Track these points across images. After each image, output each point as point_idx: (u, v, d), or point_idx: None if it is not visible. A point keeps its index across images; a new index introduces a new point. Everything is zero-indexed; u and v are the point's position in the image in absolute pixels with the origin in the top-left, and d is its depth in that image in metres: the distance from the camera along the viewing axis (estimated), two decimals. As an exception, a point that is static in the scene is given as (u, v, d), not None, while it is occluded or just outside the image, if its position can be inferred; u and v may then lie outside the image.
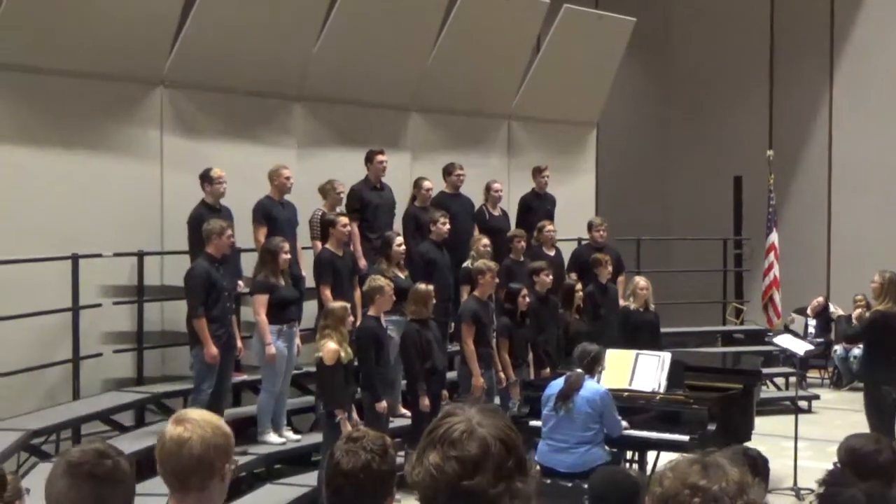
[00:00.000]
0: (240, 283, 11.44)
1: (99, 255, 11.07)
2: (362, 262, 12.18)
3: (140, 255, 11.47)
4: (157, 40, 11.77)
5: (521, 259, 12.98)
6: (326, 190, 12.21)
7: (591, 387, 9.25)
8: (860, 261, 17.64)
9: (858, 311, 15.63)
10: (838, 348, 17.00)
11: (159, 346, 11.86)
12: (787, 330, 16.70)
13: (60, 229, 10.91)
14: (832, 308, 16.00)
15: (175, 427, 3.55)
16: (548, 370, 11.76)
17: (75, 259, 10.76)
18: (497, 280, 11.68)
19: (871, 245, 18.60)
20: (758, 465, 5.54)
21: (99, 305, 11.21)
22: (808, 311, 17.77)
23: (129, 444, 10.23)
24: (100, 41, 11.19)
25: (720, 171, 19.83)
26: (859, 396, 11.85)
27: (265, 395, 10.89)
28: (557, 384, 9.33)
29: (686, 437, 9.69)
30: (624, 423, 9.50)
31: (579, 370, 9.31)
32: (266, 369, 10.84)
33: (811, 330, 17.64)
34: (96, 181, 11.32)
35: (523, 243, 13.14)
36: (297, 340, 11.15)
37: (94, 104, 11.40)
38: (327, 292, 11.28)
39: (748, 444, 8.28)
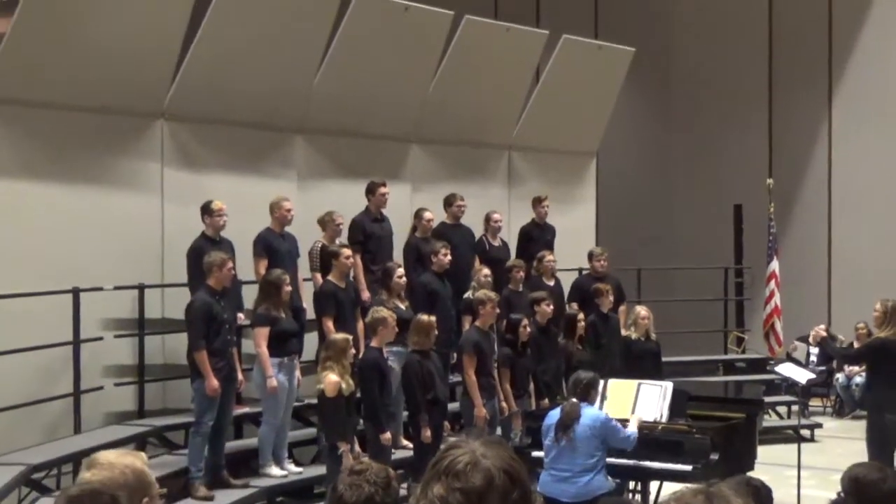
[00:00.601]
0: (240, 315, 11.42)
1: (100, 289, 11.06)
2: (365, 294, 12.17)
3: (141, 288, 11.47)
4: (158, 73, 11.81)
5: (520, 289, 12.99)
6: (326, 221, 12.22)
7: (590, 413, 9.20)
8: (861, 288, 17.63)
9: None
10: (840, 376, 16.99)
11: (160, 378, 11.84)
12: (789, 358, 16.68)
13: (61, 262, 10.91)
14: (813, 332, 15.92)
15: (85, 472, 3.55)
16: (546, 401, 11.74)
17: (76, 292, 10.75)
18: (498, 310, 11.68)
19: (871, 273, 18.58)
20: (761, 495, 5.52)
21: (100, 339, 11.20)
22: (810, 340, 17.73)
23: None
24: (100, 75, 11.22)
25: (720, 199, 19.84)
26: (862, 425, 11.81)
27: (266, 427, 10.87)
28: (555, 414, 9.30)
29: (689, 467, 9.67)
30: (631, 433, 9.42)
31: (574, 399, 9.27)
32: (267, 402, 10.82)
33: (813, 358, 17.60)
34: (97, 214, 11.33)
35: (522, 273, 13.16)
36: (298, 373, 11.14)
37: (94, 137, 11.42)
38: (330, 324, 11.28)
39: (751, 474, 8.26)
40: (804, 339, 17.93)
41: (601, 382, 10.34)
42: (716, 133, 21.12)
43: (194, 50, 11.94)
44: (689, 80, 21.66)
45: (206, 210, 11.22)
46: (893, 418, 10.52)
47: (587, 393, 9.34)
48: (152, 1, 11.43)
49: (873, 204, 19.26)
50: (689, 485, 2.94)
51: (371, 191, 12.76)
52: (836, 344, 16.30)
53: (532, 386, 11.99)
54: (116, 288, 11.27)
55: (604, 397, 10.23)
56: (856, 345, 16.42)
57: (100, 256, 11.26)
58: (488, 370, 11.36)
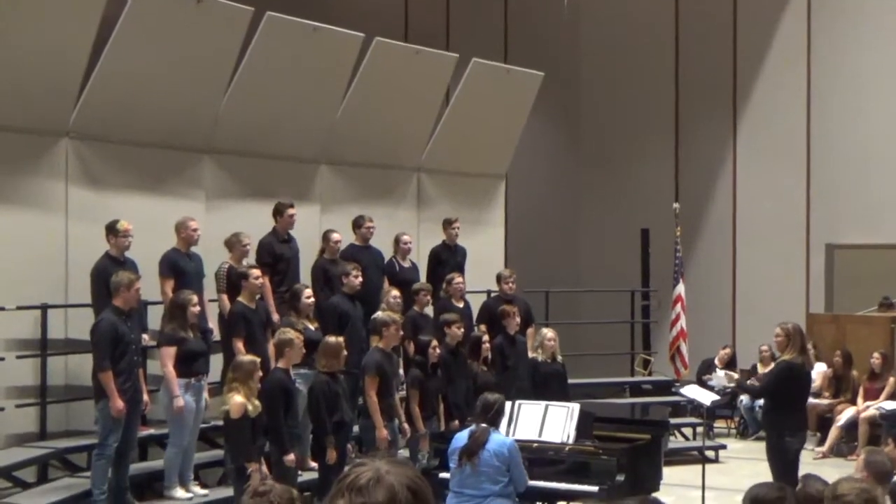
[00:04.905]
0: (144, 336, 11.29)
1: (2, 308, 10.88)
2: (276, 316, 12.05)
3: (44, 308, 11.29)
4: (62, 91, 11.64)
5: (426, 312, 13.02)
6: (233, 243, 12.09)
7: (497, 439, 9.13)
8: (764, 312, 17.91)
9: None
10: (744, 398, 17.18)
11: (63, 400, 11.65)
12: (699, 381, 16.82)
13: (-38, 282, 10.72)
14: (716, 374, 16.09)
15: None
16: (456, 422, 11.74)
17: (-23, 312, 10.57)
18: (401, 332, 11.67)
19: (774, 296, 18.92)
20: (665, 515, 5.57)
21: (1, 359, 11.00)
22: (717, 362, 17.92)
23: (32, 500, 10.06)
24: (2, 92, 11.05)
25: (628, 223, 20.06)
26: (764, 445, 11.94)
27: (173, 449, 10.73)
28: (462, 438, 9.20)
29: (595, 488, 9.74)
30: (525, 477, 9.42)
31: (484, 425, 9.16)
32: (174, 423, 10.69)
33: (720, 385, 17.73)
34: (-1, 233, 11.15)
35: (428, 297, 13.19)
36: (206, 394, 11.02)
37: (-3, 155, 11.25)
38: (240, 345, 11.16)
39: (656, 495, 8.34)
40: (716, 366, 17.91)
41: (510, 405, 10.37)
42: (623, 158, 21.37)
43: (100, 68, 11.79)
44: (598, 106, 21.90)
45: (112, 230, 11.08)
46: (792, 440, 10.59)
47: (496, 418, 9.27)
48: (57, 18, 11.27)
49: (775, 229, 19.62)
50: None
51: (279, 212, 12.68)
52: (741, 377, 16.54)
53: (441, 408, 12.00)
54: (19, 308, 11.09)
55: (513, 420, 10.26)
56: (759, 367, 16.65)
57: (2, 275, 11.07)
58: (390, 392, 11.32)
